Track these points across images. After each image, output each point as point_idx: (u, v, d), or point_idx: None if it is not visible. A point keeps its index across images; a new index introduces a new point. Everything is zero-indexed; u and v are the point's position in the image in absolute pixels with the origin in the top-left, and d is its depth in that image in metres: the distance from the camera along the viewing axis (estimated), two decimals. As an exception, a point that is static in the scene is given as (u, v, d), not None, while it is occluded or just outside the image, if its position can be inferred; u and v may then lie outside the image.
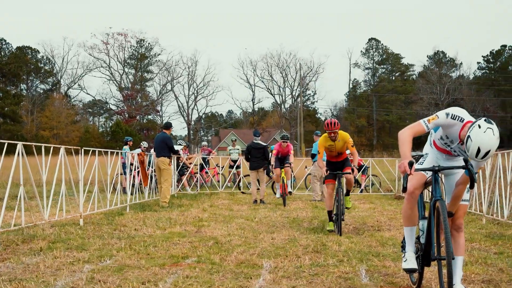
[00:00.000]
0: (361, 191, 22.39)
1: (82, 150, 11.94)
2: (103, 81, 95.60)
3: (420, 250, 5.87)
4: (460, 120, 5.43)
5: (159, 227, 10.93)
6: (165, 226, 11.14)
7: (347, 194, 11.50)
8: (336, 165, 11.09)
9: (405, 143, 5.45)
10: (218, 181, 23.74)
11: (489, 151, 5.09)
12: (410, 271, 5.80)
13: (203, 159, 24.07)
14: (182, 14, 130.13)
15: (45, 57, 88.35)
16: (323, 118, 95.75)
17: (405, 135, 5.53)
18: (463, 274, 6.70)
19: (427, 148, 5.89)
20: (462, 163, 5.44)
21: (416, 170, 5.51)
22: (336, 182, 10.85)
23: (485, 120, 5.13)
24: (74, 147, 12.10)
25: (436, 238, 5.52)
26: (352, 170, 11.14)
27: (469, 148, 5.13)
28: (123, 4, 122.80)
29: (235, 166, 23.88)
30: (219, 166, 24.36)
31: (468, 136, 5.11)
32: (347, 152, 11.42)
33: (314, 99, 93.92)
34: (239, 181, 23.18)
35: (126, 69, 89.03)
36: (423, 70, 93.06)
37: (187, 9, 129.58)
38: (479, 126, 5.08)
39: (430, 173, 5.62)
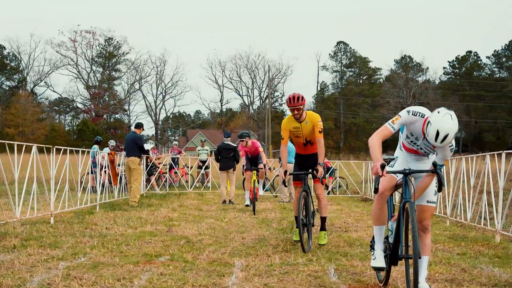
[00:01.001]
0: (328, 193, 22.68)
1: (54, 149, 11.98)
2: (70, 79, 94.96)
3: (388, 249, 6.10)
4: (421, 116, 5.73)
5: (130, 226, 11.04)
6: (136, 225, 11.25)
7: (322, 227, 9.25)
8: (307, 161, 9.21)
9: (376, 148, 5.71)
10: (187, 181, 23.85)
11: (447, 134, 5.37)
12: (378, 269, 6.04)
13: (173, 159, 24.17)
14: (151, 13, 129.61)
15: (11, 54, 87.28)
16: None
17: (374, 140, 5.79)
18: (428, 274, 6.97)
19: (397, 152, 6.13)
20: (431, 167, 5.69)
21: (388, 172, 5.76)
22: (303, 187, 9.07)
23: (444, 108, 5.44)
24: (46, 146, 12.14)
25: (405, 238, 5.75)
26: (316, 170, 8.97)
27: (429, 133, 5.42)
28: (91, 2, 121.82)
29: (204, 167, 24.02)
30: (188, 167, 24.47)
31: (428, 122, 5.46)
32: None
33: (282, 100, 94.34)
34: (208, 181, 23.34)
35: (93, 67, 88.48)
36: (390, 74, 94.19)
37: (157, 8, 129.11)
38: (438, 112, 5.43)
39: (400, 176, 5.86)
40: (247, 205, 15.05)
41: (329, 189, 22.96)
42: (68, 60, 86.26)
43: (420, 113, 5.71)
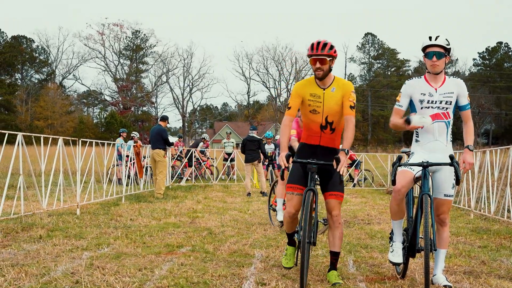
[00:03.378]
0: (354, 186, 22.69)
1: (80, 141, 12.18)
2: (98, 72, 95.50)
3: (406, 241, 6.14)
4: (417, 77, 5.96)
5: (154, 218, 11.20)
6: (160, 216, 11.40)
7: (333, 266, 6.20)
8: (316, 154, 6.17)
9: (398, 124, 5.97)
10: (212, 174, 24.02)
11: (438, 35, 5.82)
12: (394, 264, 6.08)
13: (202, 152, 24.40)
14: (178, 5, 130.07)
15: (40, 47, 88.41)
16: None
17: (394, 122, 6.05)
18: (447, 266, 7.01)
19: (413, 146, 6.15)
20: (448, 160, 5.72)
21: (405, 165, 5.82)
22: (308, 183, 5.93)
23: None
24: (72, 138, 12.35)
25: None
26: (338, 160, 5.79)
27: (424, 44, 5.88)
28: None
29: (229, 159, 24.16)
30: (212, 159, 24.63)
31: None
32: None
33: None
34: (233, 174, 23.51)
35: (121, 60, 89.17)
36: (419, 66, 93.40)
37: (184, 1, 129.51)
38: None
39: (417, 170, 5.88)
40: (281, 223, 9.79)
41: (355, 181, 22.97)
42: (96, 53, 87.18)
43: (415, 76, 5.91)
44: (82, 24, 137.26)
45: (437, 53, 5.84)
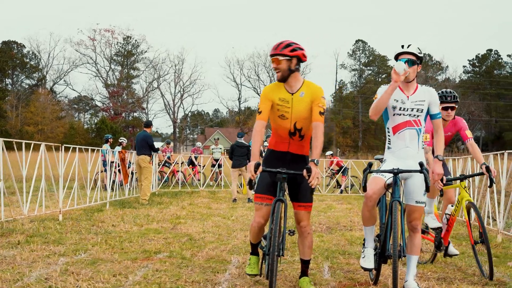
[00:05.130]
0: (341, 192, 22.75)
1: (63, 147, 12.18)
2: (89, 78, 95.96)
3: (379, 247, 6.18)
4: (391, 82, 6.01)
5: (136, 224, 11.20)
6: (142, 222, 11.40)
7: (304, 273, 6.20)
8: (285, 162, 5.96)
9: (379, 100, 5.94)
10: (199, 180, 24.06)
11: (410, 44, 6.05)
12: (366, 269, 6.11)
13: (194, 158, 24.47)
14: (169, 11, 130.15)
15: (31, 52, 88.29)
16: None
17: (373, 107, 6.02)
18: (421, 272, 7.06)
19: (386, 153, 6.19)
20: (418, 167, 5.78)
21: (376, 171, 5.87)
22: (277, 194, 5.74)
23: None
24: (55, 144, 12.34)
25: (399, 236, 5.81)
26: (309, 170, 5.55)
27: (396, 50, 6.11)
28: (110, 1, 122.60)
29: (217, 165, 24.18)
30: (200, 165, 24.67)
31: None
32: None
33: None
34: (221, 179, 23.53)
35: (112, 66, 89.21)
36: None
37: (175, 7, 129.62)
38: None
39: (388, 176, 5.92)
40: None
41: (342, 187, 23.03)
42: (87, 59, 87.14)
43: (384, 83, 6.02)
44: (74, 29, 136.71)
45: (409, 60, 5.95)
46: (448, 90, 7.48)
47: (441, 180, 6.38)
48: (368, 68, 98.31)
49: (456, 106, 7.42)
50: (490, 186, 7.02)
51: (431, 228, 7.58)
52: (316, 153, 5.69)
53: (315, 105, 5.74)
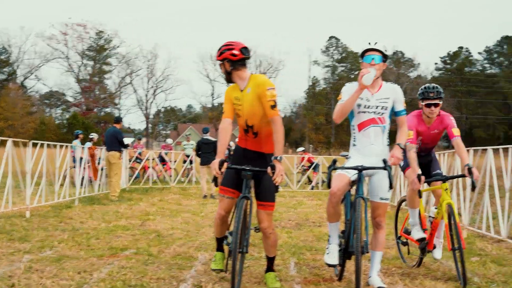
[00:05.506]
0: (312, 188, 22.86)
1: (31, 143, 12.06)
2: (61, 72, 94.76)
3: (344, 243, 6.22)
4: (356, 82, 6.03)
5: (105, 220, 11.14)
6: (111, 219, 11.35)
7: (270, 269, 6.25)
8: (249, 158, 6.01)
9: (344, 104, 5.96)
10: (170, 176, 23.99)
11: (376, 42, 5.99)
12: (329, 265, 6.15)
13: (165, 154, 24.40)
14: (142, 6, 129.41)
15: (1, 46, 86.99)
16: (282, 115, 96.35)
17: (337, 110, 6.03)
18: (385, 268, 7.14)
19: (351, 150, 6.24)
20: (382, 164, 5.83)
21: (340, 168, 5.92)
22: (243, 191, 5.78)
23: None
24: (23, 140, 12.21)
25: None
26: (273, 167, 5.59)
27: (362, 47, 6.07)
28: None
29: (188, 161, 24.13)
30: (171, 161, 24.61)
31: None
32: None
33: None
34: (192, 176, 23.50)
35: (84, 61, 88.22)
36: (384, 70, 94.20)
37: (148, 2, 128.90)
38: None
39: (353, 173, 5.97)
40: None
41: (313, 183, 23.13)
42: (59, 53, 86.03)
43: (354, 81, 6.03)
44: (45, 23, 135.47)
45: (375, 57, 5.99)
46: (432, 85, 7.08)
47: (419, 179, 6.58)
48: (341, 64, 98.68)
49: (440, 103, 7.02)
50: (473, 189, 6.89)
51: (416, 240, 7.23)
52: (278, 149, 5.67)
53: (264, 101, 5.71)
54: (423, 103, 7.04)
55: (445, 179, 6.87)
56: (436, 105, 6.99)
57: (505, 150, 9.54)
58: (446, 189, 6.77)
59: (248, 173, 5.69)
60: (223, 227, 6.15)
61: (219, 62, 5.90)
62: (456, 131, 7.01)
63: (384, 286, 5.93)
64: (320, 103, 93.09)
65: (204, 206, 14.69)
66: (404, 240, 7.64)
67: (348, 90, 6.09)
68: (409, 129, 6.78)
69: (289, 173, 24.45)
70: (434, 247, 7.11)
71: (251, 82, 5.82)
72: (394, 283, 6.34)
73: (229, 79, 5.96)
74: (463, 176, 6.89)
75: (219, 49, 5.85)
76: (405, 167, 7.28)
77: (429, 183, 7.35)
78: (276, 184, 5.64)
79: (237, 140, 6.74)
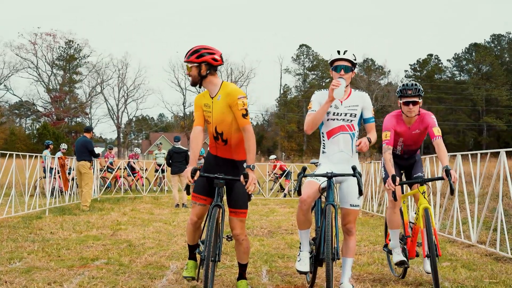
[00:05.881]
0: (284, 196, 22.87)
1: (-1, 153, 11.94)
2: (31, 82, 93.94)
3: (315, 250, 6.23)
4: (326, 90, 6.13)
5: (76, 231, 11.04)
6: (82, 229, 11.25)
7: (242, 276, 6.25)
8: (220, 165, 5.99)
9: (315, 116, 6.01)
10: (143, 185, 23.89)
11: (346, 50, 6.08)
12: (301, 272, 6.15)
13: (130, 163, 24.25)
14: (112, 15, 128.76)
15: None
16: (254, 123, 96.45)
17: (308, 121, 6.06)
18: (357, 274, 7.17)
19: (321, 157, 6.27)
20: (351, 171, 5.86)
21: (310, 175, 5.94)
22: (215, 199, 5.71)
23: None
24: (-9, 151, 12.07)
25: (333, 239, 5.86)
26: (245, 175, 5.57)
27: (332, 56, 6.10)
28: (52, 4, 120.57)
29: (160, 170, 24.05)
30: (141, 169, 24.51)
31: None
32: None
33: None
34: (165, 185, 23.42)
35: (54, 70, 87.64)
36: (353, 77, 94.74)
37: (118, 12, 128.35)
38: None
39: (323, 180, 5.99)
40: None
41: (285, 191, 23.16)
42: (28, 63, 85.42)
43: (323, 89, 6.09)
44: (14, 33, 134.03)
45: (345, 67, 6.05)
46: (411, 82, 6.71)
47: (393, 181, 6.31)
48: (312, 72, 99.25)
49: (420, 101, 6.65)
50: (451, 193, 6.22)
51: (394, 264, 6.84)
52: (250, 157, 5.67)
53: (235, 109, 5.68)
54: (401, 101, 6.68)
55: (422, 181, 6.55)
56: (414, 103, 6.61)
57: (474, 156, 9.66)
58: (424, 192, 6.50)
59: (221, 181, 5.67)
60: (196, 233, 6.11)
61: (191, 64, 5.74)
62: (436, 131, 6.67)
63: (355, 292, 5.96)
64: (292, 111, 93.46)
65: (176, 215, 14.63)
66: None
67: (317, 98, 6.13)
68: (386, 129, 6.65)
69: (261, 181, 24.51)
70: (417, 255, 6.86)
71: (222, 90, 5.77)
72: (365, 289, 6.37)
73: (198, 83, 5.82)
74: (440, 178, 6.46)
75: (197, 51, 5.73)
76: (386, 179, 6.78)
77: (408, 186, 7.08)
78: (250, 193, 5.63)
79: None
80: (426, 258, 6.33)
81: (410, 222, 7.09)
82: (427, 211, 6.29)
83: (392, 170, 6.48)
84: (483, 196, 13.67)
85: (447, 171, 6.22)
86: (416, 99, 6.61)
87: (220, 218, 5.83)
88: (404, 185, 7.24)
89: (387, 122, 6.72)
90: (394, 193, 6.48)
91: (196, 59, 5.71)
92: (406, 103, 6.63)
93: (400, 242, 6.94)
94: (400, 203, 6.97)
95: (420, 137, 6.94)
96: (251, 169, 5.60)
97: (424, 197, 6.47)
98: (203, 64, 5.73)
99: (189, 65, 5.74)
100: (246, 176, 5.51)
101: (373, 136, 6.08)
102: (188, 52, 5.77)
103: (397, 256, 6.77)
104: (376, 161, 16.02)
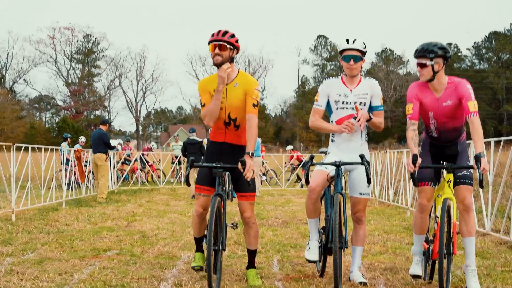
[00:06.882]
0: (302, 186, 22.84)
1: (14, 146, 12.01)
2: (50, 76, 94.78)
3: (324, 239, 6.21)
4: (335, 77, 6.16)
5: (91, 222, 11.11)
6: (97, 221, 11.31)
7: (251, 264, 6.21)
8: (222, 158, 5.93)
9: (320, 126, 6.13)
10: (159, 177, 24.00)
11: (355, 39, 6.04)
12: (310, 261, 6.13)
13: (142, 156, 24.40)
14: (130, 9, 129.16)
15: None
16: (272, 115, 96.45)
17: (315, 123, 6.13)
18: (369, 263, 7.14)
19: (329, 146, 6.24)
20: (359, 160, 5.83)
21: (318, 164, 5.92)
22: (216, 188, 5.74)
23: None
24: (6, 144, 12.15)
25: (339, 228, 5.84)
26: (243, 163, 5.59)
27: (341, 45, 6.12)
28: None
29: (177, 162, 24.12)
30: (155, 162, 24.65)
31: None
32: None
33: (263, 95, 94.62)
34: (182, 176, 23.50)
35: (73, 64, 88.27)
36: (371, 67, 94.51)
37: (136, 4, 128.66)
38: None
39: (331, 169, 5.97)
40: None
41: (302, 181, 23.12)
42: (47, 57, 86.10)
43: (332, 76, 6.02)
44: (33, 28, 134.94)
45: (354, 56, 6.00)
46: (432, 42, 5.61)
47: (414, 162, 5.36)
48: (330, 63, 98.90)
49: (432, 63, 5.49)
50: (481, 187, 5.40)
51: (410, 274, 5.95)
52: (251, 145, 5.72)
53: (249, 97, 5.80)
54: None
55: (448, 167, 5.56)
56: (422, 65, 5.53)
57: (488, 144, 9.56)
58: (450, 180, 5.53)
59: (219, 170, 5.69)
60: (202, 225, 6.12)
61: (228, 45, 5.77)
62: (472, 106, 5.49)
63: (365, 281, 5.94)
64: (310, 101, 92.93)
65: (191, 206, 14.65)
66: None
67: (325, 89, 6.10)
68: (408, 101, 5.67)
69: (278, 172, 24.53)
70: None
71: (239, 78, 5.87)
72: (376, 278, 6.33)
73: (222, 63, 5.78)
74: (470, 167, 5.49)
75: (234, 35, 5.83)
76: (420, 181, 5.78)
77: (434, 171, 5.84)
78: (248, 180, 5.62)
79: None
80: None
81: (435, 216, 5.89)
82: (446, 203, 5.48)
83: (413, 149, 5.51)
84: (498, 184, 13.55)
85: (477, 158, 5.24)
86: (423, 61, 5.52)
87: (222, 207, 5.83)
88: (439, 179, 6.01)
89: (409, 92, 5.74)
90: (413, 175, 5.48)
91: (236, 43, 5.83)
92: (418, 64, 5.60)
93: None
94: (430, 207, 5.94)
95: (456, 112, 5.67)
96: (250, 156, 5.65)
97: (449, 187, 5.53)
98: (235, 50, 5.87)
99: (228, 46, 5.76)
100: (243, 163, 5.56)
101: (378, 121, 6.04)
102: (226, 33, 5.81)
103: (414, 266, 5.95)
104: (392, 150, 15.92)
